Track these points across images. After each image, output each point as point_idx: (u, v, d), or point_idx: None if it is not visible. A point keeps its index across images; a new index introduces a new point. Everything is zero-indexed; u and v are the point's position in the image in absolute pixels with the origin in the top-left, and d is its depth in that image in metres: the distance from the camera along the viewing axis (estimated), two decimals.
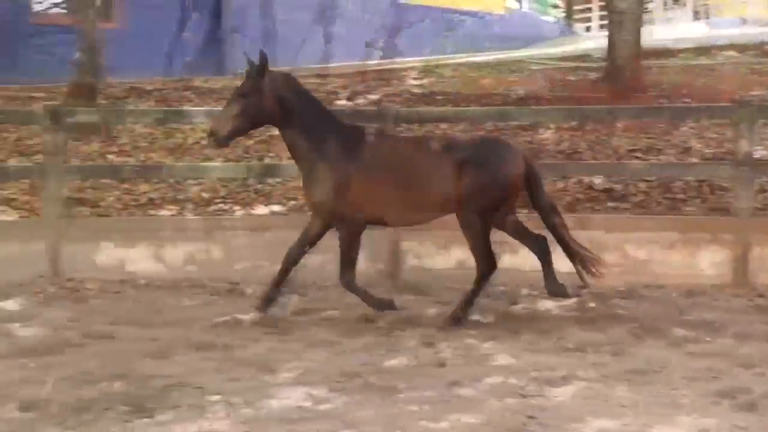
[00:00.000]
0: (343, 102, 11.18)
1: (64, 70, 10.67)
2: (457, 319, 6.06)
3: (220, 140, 6.10)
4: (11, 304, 6.52)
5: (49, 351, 5.35)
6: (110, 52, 11.40)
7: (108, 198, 8.57)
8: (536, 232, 6.33)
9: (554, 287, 6.22)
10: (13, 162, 9.15)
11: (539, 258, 6.27)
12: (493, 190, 6.05)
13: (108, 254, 7.48)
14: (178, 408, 4.37)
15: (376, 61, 14.82)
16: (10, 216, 8.16)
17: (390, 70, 13.94)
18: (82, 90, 10.16)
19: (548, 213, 6.23)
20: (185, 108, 10.25)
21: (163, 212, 8.35)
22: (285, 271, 6.26)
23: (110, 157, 9.56)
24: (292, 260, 6.26)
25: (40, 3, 16.57)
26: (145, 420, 4.22)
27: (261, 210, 8.44)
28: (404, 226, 6.74)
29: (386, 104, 9.84)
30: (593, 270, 6.17)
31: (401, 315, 6.20)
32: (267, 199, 8.62)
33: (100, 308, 6.49)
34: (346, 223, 6.13)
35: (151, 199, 8.59)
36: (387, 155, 6.20)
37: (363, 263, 6.41)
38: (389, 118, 7.62)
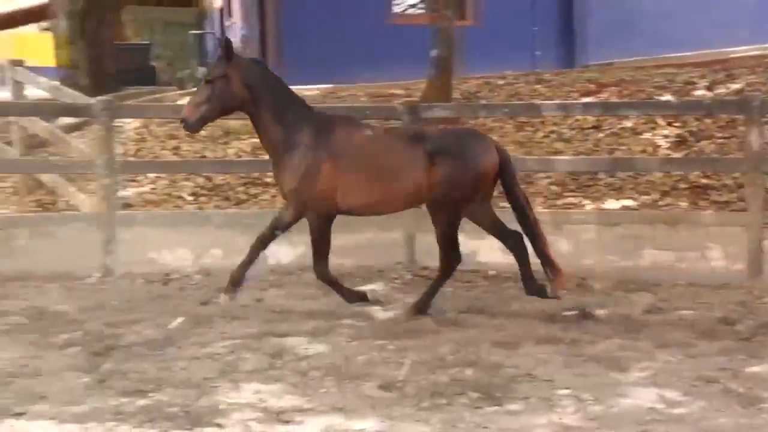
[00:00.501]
0: (701, 92, 10.56)
1: (420, 68, 11.16)
2: (420, 310, 6.07)
3: (189, 126, 6.16)
4: (372, 289, 6.92)
5: (405, 335, 5.59)
6: (465, 49, 11.75)
7: None
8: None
9: (533, 288, 6.08)
10: None
11: (516, 257, 6.15)
12: (466, 181, 5.93)
13: (461, 245, 7.68)
14: (527, 399, 4.40)
15: (742, 47, 13.74)
16: None
17: (757, 57, 12.88)
18: (438, 86, 10.56)
19: (522, 206, 6.09)
20: (535, 102, 10.30)
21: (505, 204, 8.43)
22: (253, 256, 6.19)
23: None
24: (260, 244, 6.20)
25: (399, 4, 17.56)
26: (495, 408, 4.28)
27: (612, 204, 8.27)
28: (374, 215, 6.58)
29: (750, 94, 9.15)
30: (554, 278, 5.99)
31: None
32: (618, 193, 8.42)
33: (452, 297, 6.68)
34: (316, 211, 6.07)
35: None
36: (358, 144, 6.12)
37: (720, 262, 6.02)
38: (753, 108, 7.11)
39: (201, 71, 23.13)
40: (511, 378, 4.73)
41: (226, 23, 22.29)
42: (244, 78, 6.06)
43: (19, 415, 4.19)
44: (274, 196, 8.48)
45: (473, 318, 6.06)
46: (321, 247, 6.15)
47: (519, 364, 4.98)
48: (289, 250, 7.29)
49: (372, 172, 6.06)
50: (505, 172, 6.12)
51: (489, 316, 6.12)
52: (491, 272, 7.48)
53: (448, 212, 6.03)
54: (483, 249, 7.56)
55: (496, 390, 4.51)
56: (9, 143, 9.42)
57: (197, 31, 24.93)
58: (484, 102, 11.05)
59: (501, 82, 12.39)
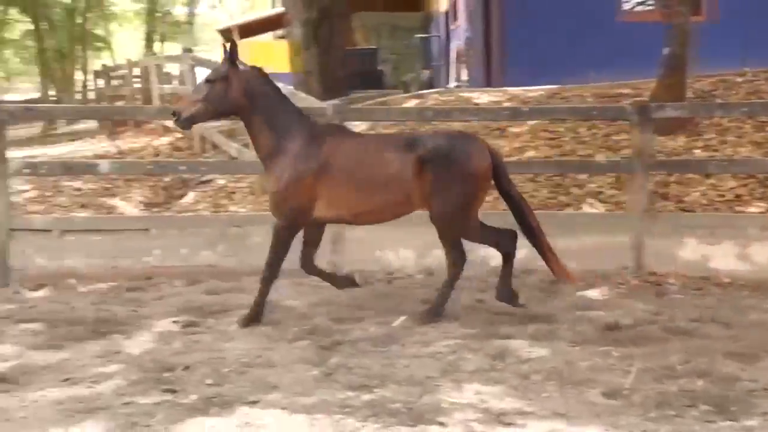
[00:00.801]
0: None
1: (649, 67, 10.75)
2: (435, 314, 6.03)
3: (180, 122, 6.05)
4: (595, 293, 6.77)
5: (630, 342, 5.41)
6: (698, 45, 11.20)
7: (693, 193, 8.45)
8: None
9: (505, 293, 6.09)
10: (600, 157, 9.51)
11: (503, 257, 6.10)
12: (462, 185, 5.85)
13: (691, 250, 7.34)
14: (765, 415, 4.14)
15: None
16: (597, 209, 8.51)
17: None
18: (669, 85, 10.12)
19: (517, 202, 6.09)
20: None
21: (751, 209, 7.98)
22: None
23: (696, 152, 9.42)
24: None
25: (628, 1, 17.01)
26: (730, 423, 4.07)
27: None
28: (366, 224, 6.45)
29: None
30: (556, 271, 6.06)
31: None
32: None
33: (682, 304, 6.41)
34: (290, 219, 6.02)
35: (737, 196, 8.26)
36: (349, 153, 6.02)
37: None
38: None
39: (426, 74, 23.56)
40: (749, 392, 4.46)
41: (451, 26, 22.49)
42: (245, 84, 6.04)
43: (253, 403, 4.41)
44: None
45: (705, 327, 5.76)
46: (282, 253, 6.08)
47: (758, 377, 4.68)
48: None
49: (362, 180, 5.98)
50: (498, 175, 6.06)
51: (722, 325, 5.79)
52: (725, 279, 7.07)
53: (447, 220, 5.98)
54: (716, 255, 7.21)
55: (731, 404, 4.27)
56: (246, 145, 9.98)
57: (423, 35, 25.37)
58: (719, 101, 10.49)
59: (739, 79, 11.72)
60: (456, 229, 6.05)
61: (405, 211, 6.22)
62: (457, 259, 6.14)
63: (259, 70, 6.24)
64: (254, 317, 6.02)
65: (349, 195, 6.02)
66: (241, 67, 6.08)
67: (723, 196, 8.31)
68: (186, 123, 6.09)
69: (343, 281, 6.54)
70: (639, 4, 17.11)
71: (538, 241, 6.11)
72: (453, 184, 5.87)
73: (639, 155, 7.47)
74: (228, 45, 6.10)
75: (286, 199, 6.02)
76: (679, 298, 6.57)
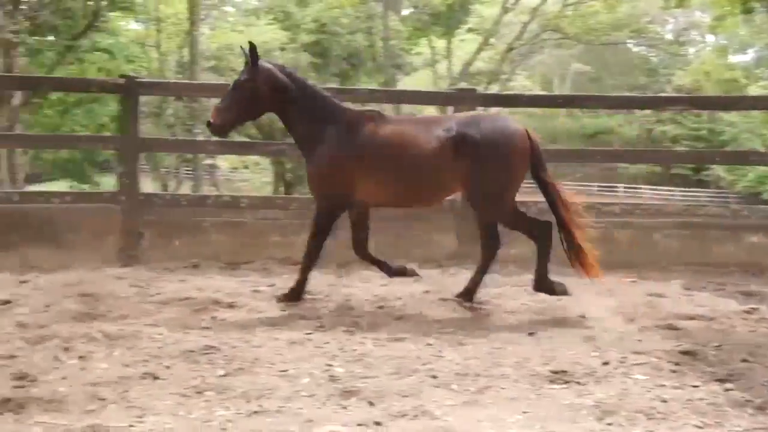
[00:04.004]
0: None
1: None
2: (469, 296, 6.20)
3: (215, 131, 6.09)
4: None
5: None
6: None
7: None
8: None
9: (543, 284, 6.09)
10: None
11: (538, 243, 6.07)
12: (499, 168, 5.91)
13: None
14: None
15: None
16: None
17: None
18: None
19: (551, 191, 6.09)
20: None
21: None
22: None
23: None
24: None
25: None
26: None
27: None
28: (405, 207, 6.78)
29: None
30: (586, 266, 5.99)
31: None
32: None
33: None
34: (331, 203, 6.14)
35: None
36: (386, 137, 6.07)
37: None
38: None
39: None
40: None
41: None
42: (271, 82, 6.13)
43: None
44: None
45: None
46: (321, 238, 6.19)
47: None
48: None
49: (401, 165, 6.02)
50: (535, 160, 6.06)
51: None
52: None
53: (483, 203, 6.05)
54: None
55: None
56: None
57: None
58: None
59: None
60: (492, 212, 6.09)
61: (443, 194, 6.34)
62: (490, 243, 6.22)
63: (281, 65, 6.37)
64: (293, 297, 6.22)
65: (387, 179, 6.09)
66: (262, 65, 6.17)
67: None
68: (221, 131, 6.16)
69: (396, 271, 6.54)
70: None
71: (567, 234, 6.07)
72: (490, 168, 5.91)
73: None
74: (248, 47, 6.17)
75: (326, 186, 6.16)
76: None
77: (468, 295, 6.25)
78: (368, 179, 6.09)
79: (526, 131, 6.10)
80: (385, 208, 6.60)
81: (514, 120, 6.37)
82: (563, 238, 6.07)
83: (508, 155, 5.93)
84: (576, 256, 6.04)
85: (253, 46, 6.13)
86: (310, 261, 6.23)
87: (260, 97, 6.13)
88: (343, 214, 6.31)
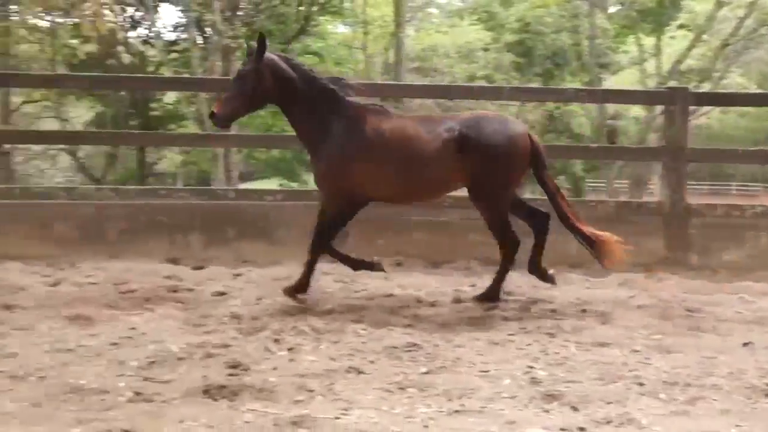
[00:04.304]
0: None
1: None
2: (492, 298, 6.21)
3: (218, 121, 6.03)
4: None
5: None
6: None
7: None
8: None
9: (535, 267, 6.29)
10: None
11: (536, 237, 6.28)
12: (501, 167, 6.01)
13: None
14: None
15: None
16: None
17: None
18: None
19: (551, 190, 6.19)
20: None
21: None
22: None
23: None
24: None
25: None
26: None
27: None
28: (407, 203, 6.84)
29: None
30: (603, 251, 6.06)
31: None
32: None
33: None
34: (345, 200, 6.10)
35: None
36: (391, 133, 6.05)
37: None
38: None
39: None
40: None
41: None
42: (275, 73, 6.07)
43: None
44: None
45: None
46: (333, 231, 6.19)
47: None
48: None
49: (403, 160, 6.01)
50: (536, 160, 6.15)
51: None
52: None
53: (490, 199, 6.11)
54: None
55: None
56: None
57: None
58: None
59: None
60: (495, 208, 6.14)
61: (445, 191, 6.50)
62: (506, 242, 6.20)
63: (286, 57, 6.36)
64: (299, 289, 6.19)
65: (390, 175, 6.10)
66: (267, 56, 6.11)
67: None
68: (224, 121, 6.13)
69: (362, 265, 6.43)
70: None
71: (571, 227, 6.19)
72: (493, 166, 6.02)
73: None
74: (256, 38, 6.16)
75: (334, 182, 6.13)
76: None
77: (488, 298, 6.27)
78: (372, 174, 6.08)
79: (527, 131, 6.24)
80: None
81: (515, 120, 6.56)
82: (573, 235, 6.20)
83: (509, 155, 6.05)
84: (592, 246, 6.13)
85: (262, 38, 6.08)
86: (314, 256, 6.19)
87: (264, 87, 6.09)
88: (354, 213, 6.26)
